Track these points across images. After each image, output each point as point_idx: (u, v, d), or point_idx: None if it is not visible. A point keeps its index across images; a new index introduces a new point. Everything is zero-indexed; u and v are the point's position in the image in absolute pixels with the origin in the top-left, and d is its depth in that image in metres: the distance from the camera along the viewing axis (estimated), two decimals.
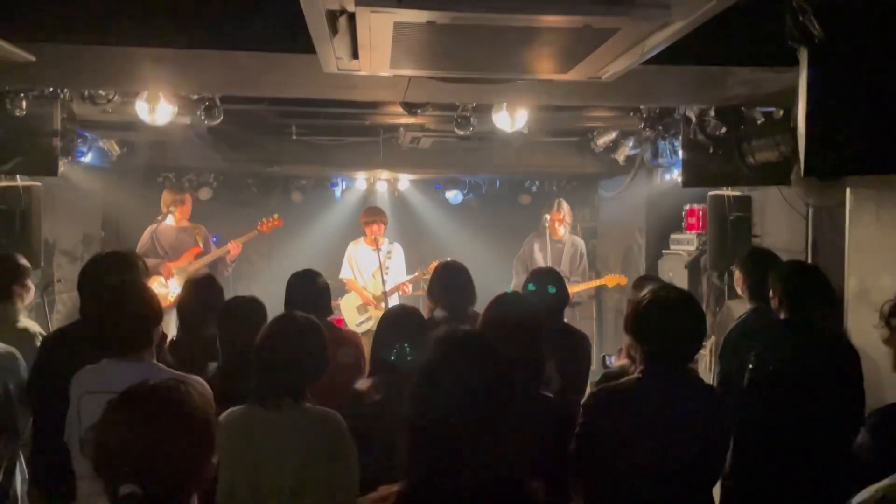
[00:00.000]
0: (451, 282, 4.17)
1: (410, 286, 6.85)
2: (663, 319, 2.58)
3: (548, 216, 6.88)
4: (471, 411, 1.53)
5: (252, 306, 3.47)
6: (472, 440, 1.53)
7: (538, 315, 2.92)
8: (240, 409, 2.64)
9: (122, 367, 2.74)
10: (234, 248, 6.44)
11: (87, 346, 2.92)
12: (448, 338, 1.68)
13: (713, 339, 5.36)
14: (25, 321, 3.88)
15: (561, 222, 6.93)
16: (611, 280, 7.04)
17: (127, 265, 3.40)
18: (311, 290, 3.85)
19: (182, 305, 3.96)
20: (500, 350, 1.69)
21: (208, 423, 1.65)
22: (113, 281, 3.05)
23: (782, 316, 3.55)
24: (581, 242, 7.16)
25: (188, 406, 1.61)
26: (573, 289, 6.27)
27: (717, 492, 2.98)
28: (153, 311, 2.90)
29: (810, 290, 3.53)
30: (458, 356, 1.61)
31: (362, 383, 3.14)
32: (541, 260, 6.79)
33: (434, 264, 4.92)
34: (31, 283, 3.98)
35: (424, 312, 3.84)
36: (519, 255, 7.13)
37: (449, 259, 4.64)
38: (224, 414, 2.62)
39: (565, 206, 7.03)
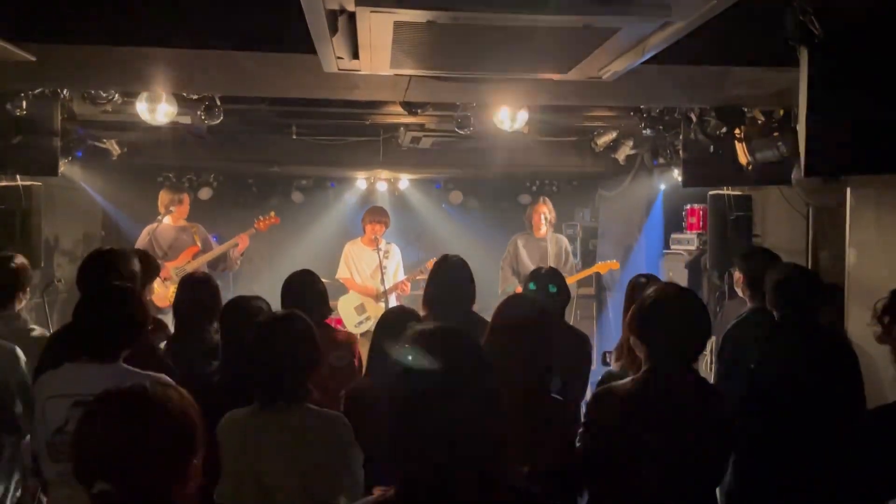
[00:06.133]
0: (443, 283, 3.91)
1: (409, 284, 6.77)
2: (668, 319, 2.55)
3: (531, 211, 6.86)
4: (447, 407, 1.47)
5: (257, 304, 3.46)
6: (452, 438, 1.47)
7: (549, 317, 2.90)
8: (242, 411, 2.60)
9: (86, 370, 2.70)
10: (242, 241, 6.46)
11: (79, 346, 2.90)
12: (421, 333, 1.58)
13: (713, 338, 5.35)
14: (31, 323, 3.89)
15: (540, 219, 6.79)
16: (603, 266, 7.03)
17: (117, 263, 3.38)
18: (306, 291, 3.83)
19: (177, 305, 3.93)
20: (477, 342, 1.62)
21: (189, 425, 1.63)
22: (98, 280, 3.03)
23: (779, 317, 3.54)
24: (565, 240, 7.06)
25: (166, 406, 1.60)
26: (568, 280, 6.24)
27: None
28: (129, 314, 2.84)
29: (804, 294, 3.51)
30: (431, 351, 1.52)
31: (358, 384, 3.13)
32: (526, 258, 6.73)
33: (433, 262, 4.61)
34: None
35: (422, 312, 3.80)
36: (504, 256, 7.01)
37: (445, 255, 4.20)
38: (227, 416, 2.60)
39: (548, 202, 6.96)
